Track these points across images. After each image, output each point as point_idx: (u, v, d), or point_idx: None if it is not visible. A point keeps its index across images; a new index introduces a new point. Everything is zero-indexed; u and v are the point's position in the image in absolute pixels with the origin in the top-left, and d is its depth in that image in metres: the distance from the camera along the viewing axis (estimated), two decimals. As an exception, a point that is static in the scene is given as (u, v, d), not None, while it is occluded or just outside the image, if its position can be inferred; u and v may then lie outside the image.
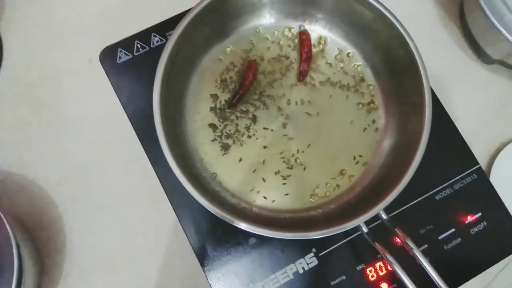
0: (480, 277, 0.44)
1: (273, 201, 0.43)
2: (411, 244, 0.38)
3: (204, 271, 0.42)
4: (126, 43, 0.47)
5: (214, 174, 0.44)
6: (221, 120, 0.45)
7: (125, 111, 0.45)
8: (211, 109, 0.45)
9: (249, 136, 0.45)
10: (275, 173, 0.44)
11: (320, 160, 0.45)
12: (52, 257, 0.47)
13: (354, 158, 0.45)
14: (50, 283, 0.46)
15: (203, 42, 0.45)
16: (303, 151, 0.45)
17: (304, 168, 0.45)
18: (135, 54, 0.47)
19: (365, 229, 0.40)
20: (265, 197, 0.43)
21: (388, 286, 0.43)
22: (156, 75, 0.40)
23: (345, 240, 0.44)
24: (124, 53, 0.47)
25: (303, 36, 0.46)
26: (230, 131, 0.45)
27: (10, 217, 0.41)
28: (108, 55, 0.46)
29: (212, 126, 0.45)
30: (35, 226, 0.47)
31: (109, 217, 0.47)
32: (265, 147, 0.45)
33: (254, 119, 0.45)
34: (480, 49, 0.54)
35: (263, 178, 0.44)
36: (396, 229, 0.39)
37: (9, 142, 0.49)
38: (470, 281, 0.44)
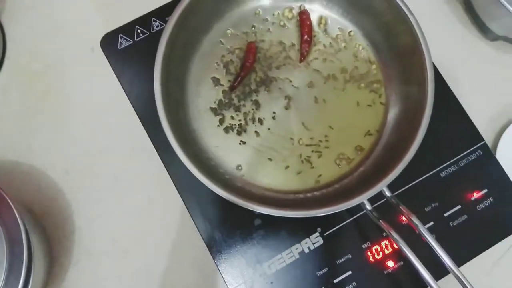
0: (487, 254, 0.44)
1: (277, 183, 0.43)
2: (416, 221, 0.38)
3: (210, 253, 0.43)
4: (127, 29, 0.47)
5: (217, 157, 0.44)
6: (223, 103, 0.45)
7: (128, 97, 0.45)
8: (213, 92, 0.45)
9: (252, 119, 0.45)
10: (278, 155, 0.44)
11: (327, 140, 0.45)
12: (61, 244, 0.47)
13: (362, 132, 0.45)
14: (60, 269, 0.47)
15: (202, 25, 0.45)
16: (307, 133, 0.45)
17: (311, 150, 0.44)
18: (135, 39, 0.47)
19: (368, 207, 0.40)
20: (268, 179, 0.43)
21: (394, 263, 0.43)
22: (156, 60, 0.40)
23: (350, 220, 0.44)
24: (125, 39, 0.47)
25: (303, 16, 0.46)
26: (232, 114, 0.45)
27: (19, 205, 0.41)
28: (109, 42, 0.47)
29: (214, 110, 0.45)
30: (44, 214, 0.48)
31: (116, 203, 0.48)
32: (268, 129, 0.45)
33: (256, 101, 0.45)
34: (483, 25, 0.53)
35: (268, 159, 0.44)
36: (400, 206, 0.39)
37: (16, 131, 0.50)
38: (477, 257, 0.44)
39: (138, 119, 0.46)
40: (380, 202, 0.43)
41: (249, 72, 0.45)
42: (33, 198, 0.48)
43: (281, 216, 0.38)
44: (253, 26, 0.47)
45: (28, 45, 0.52)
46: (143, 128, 0.45)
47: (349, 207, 0.37)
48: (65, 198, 0.48)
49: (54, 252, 0.47)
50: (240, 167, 0.44)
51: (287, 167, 0.44)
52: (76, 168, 0.49)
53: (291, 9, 0.47)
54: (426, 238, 0.37)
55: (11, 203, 0.40)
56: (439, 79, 0.45)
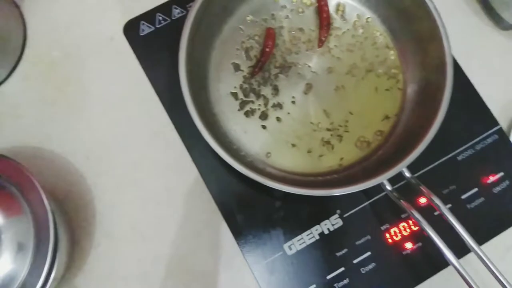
0: (505, 235, 0.45)
1: (299, 165, 0.44)
2: (437, 201, 0.39)
3: (233, 234, 0.44)
4: (148, 16, 0.48)
5: (238, 140, 0.45)
6: (243, 88, 0.46)
7: (150, 82, 0.46)
8: (233, 77, 0.46)
9: (272, 104, 0.46)
10: (299, 139, 0.45)
11: (346, 125, 0.46)
12: (82, 227, 0.48)
13: (380, 116, 0.46)
14: (81, 253, 0.47)
15: (223, 12, 0.46)
16: (327, 117, 0.46)
17: (331, 134, 0.45)
18: (157, 26, 0.48)
19: (389, 187, 0.41)
20: (290, 162, 0.44)
21: (413, 245, 0.44)
22: (180, 43, 0.40)
23: (369, 201, 0.45)
24: (147, 25, 0.47)
25: (322, 2, 0.47)
26: (252, 99, 0.46)
27: (43, 188, 0.42)
28: (131, 28, 0.48)
29: (234, 94, 0.46)
30: (65, 199, 0.48)
31: (137, 187, 0.48)
32: (288, 113, 0.46)
33: (275, 86, 0.46)
34: (496, 14, 0.54)
35: (290, 143, 0.45)
36: (421, 187, 0.40)
37: (36, 119, 0.50)
38: (494, 238, 0.45)
39: (160, 104, 0.46)
40: (399, 184, 0.44)
41: (269, 58, 0.46)
42: (55, 183, 0.49)
43: (301, 198, 0.39)
44: (272, 13, 0.48)
45: (48, 34, 0.53)
46: (165, 113, 0.46)
47: (370, 186, 0.38)
48: (86, 183, 0.49)
49: (76, 235, 0.48)
50: (261, 150, 0.44)
51: (309, 151, 0.45)
52: (97, 154, 0.49)
53: (309, -4, 0.48)
54: (447, 217, 0.38)
55: (39, 189, 0.41)
56: (454, 64, 0.46)
